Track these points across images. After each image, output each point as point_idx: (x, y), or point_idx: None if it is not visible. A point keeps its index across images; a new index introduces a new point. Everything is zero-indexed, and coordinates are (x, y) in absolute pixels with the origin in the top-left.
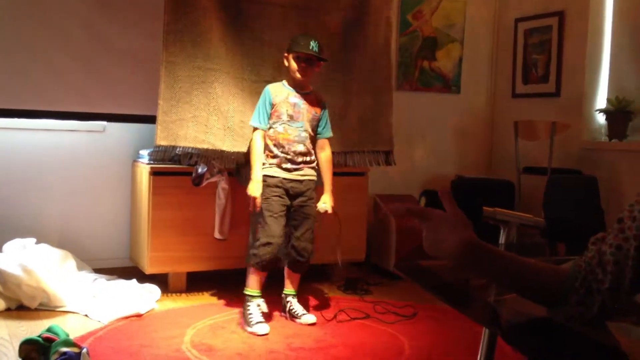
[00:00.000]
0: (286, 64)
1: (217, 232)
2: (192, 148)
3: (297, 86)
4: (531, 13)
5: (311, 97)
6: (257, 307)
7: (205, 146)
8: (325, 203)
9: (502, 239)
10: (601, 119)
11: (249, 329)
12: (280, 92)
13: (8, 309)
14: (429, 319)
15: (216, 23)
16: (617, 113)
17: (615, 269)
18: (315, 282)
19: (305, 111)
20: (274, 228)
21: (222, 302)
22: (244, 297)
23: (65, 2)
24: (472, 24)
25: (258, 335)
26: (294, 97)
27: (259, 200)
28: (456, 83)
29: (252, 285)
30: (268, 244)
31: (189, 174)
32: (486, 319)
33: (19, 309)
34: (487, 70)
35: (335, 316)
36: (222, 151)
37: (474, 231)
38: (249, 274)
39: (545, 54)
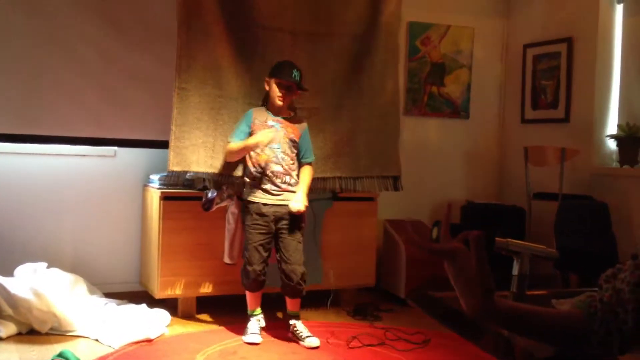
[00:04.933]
0: (267, 87)
1: (226, 257)
2: (202, 173)
3: (276, 111)
4: (540, 39)
5: (289, 122)
6: (256, 322)
7: (211, 171)
8: (296, 202)
9: (514, 270)
10: (612, 144)
11: (243, 338)
12: (260, 116)
13: (19, 334)
14: (441, 347)
15: (226, 49)
16: (628, 139)
17: (636, 306)
18: (324, 307)
19: (283, 135)
20: (253, 256)
21: (232, 327)
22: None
23: (79, 27)
24: (480, 50)
25: (248, 343)
26: (272, 121)
27: (268, 135)
28: (465, 108)
29: (249, 304)
30: (247, 272)
31: (199, 198)
32: (500, 351)
33: (30, 334)
34: (496, 96)
35: (347, 343)
36: (230, 176)
37: (493, 293)
38: (246, 295)
39: (554, 80)
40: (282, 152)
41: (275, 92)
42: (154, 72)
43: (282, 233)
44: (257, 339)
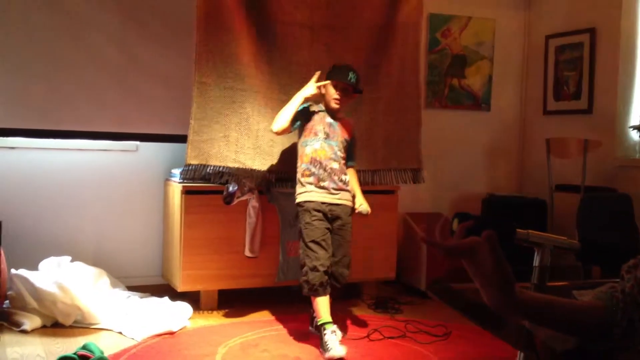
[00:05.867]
0: (323, 91)
1: (247, 250)
2: (223, 167)
3: (331, 113)
4: (562, 30)
5: (343, 123)
6: (332, 333)
7: (235, 165)
8: (362, 204)
9: (536, 262)
10: (635, 136)
11: (327, 354)
12: (320, 112)
13: (44, 326)
14: (462, 339)
15: (246, 43)
16: None
17: None
18: (346, 300)
19: (339, 133)
20: (320, 253)
21: (253, 320)
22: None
23: (99, 23)
24: (501, 41)
25: (337, 358)
26: (329, 119)
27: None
28: (486, 100)
29: (320, 313)
30: (315, 268)
31: (220, 192)
32: (521, 342)
33: (54, 326)
34: (517, 88)
35: (368, 335)
36: (252, 170)
37: (513, 285)
38: (313, 303)
39: (576, 71)
40: (338, 150)
41: (332, 95)
42: (176, 66)
43: (336, 234)
44: (343, 350)
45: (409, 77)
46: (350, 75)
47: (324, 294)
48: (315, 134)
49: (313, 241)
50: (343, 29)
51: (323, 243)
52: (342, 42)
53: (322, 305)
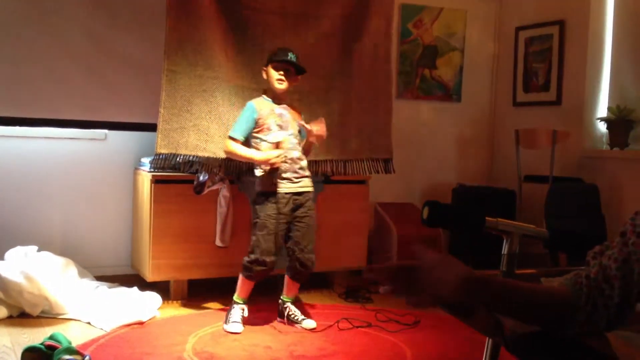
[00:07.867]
0: (265, 76)
1: (218, 240)
2: (193, 156)
3: (277, 98)
4: (532, 22)
5: (292, 107)
6: (240, 310)
7: (206, 154)
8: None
9: (504, 250)
10: (602, 127)
11: (225, 326)
12: (265, 106)
13: (10, 317)
14: (431, 328)
15: (217, 31)
16: (618, 122)
17: (622, 283)
18: (316, 289)
19: (291, 120)
20: (270, 246)
21: (223, 309)
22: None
23: (67, 10)
24: (472, 33)
25: (231, 332)
26: (278, 109)
27: (278, 157)
28: (457, 91)
29: (240, 292)
30: (263, 262)
31: (191, 182)
32: (489, 329)
33: (21, 317)
34: (487, 79)
35: (337, 323)
36: (223, 159)
37: (471, 271)
38: (239, 281)
39: (546, 63)
40: (294, 137)
41: (274, 76)
42: (146, 54)
43: (299, 221)
44: (240, 328)
45: (381, 66)
46: (290, 55)
47: (257, 282)
48: (269, 129)
49: (268, 235)
50: (316, 17)
51: (279, 238)
52: (315, 29)
53: (248, 287)
